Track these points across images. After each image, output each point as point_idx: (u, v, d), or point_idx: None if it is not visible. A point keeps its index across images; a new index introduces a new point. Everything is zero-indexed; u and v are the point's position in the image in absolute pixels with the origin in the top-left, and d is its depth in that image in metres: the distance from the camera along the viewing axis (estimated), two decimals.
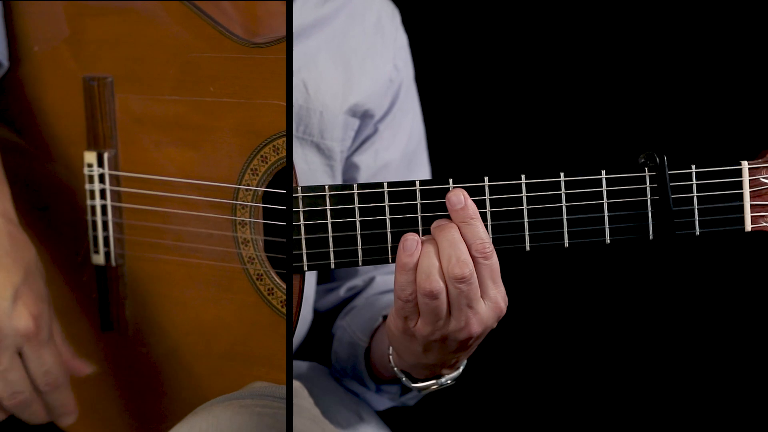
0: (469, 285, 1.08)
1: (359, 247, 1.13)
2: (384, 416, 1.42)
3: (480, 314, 1.11)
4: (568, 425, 1.87)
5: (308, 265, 1.13)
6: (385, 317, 1.33)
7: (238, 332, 1.25)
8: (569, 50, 1.78)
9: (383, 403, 1.39)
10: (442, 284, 1.09)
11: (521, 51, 1.79)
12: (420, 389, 1.22)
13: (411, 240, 1.10)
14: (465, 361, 1.21)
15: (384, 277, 1.43)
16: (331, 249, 1.13)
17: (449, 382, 1.22)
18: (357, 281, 1.44)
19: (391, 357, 1.22)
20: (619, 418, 1.85)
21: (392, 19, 1.41)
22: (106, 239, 1.28)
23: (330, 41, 1.33)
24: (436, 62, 1.51)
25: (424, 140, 1.47)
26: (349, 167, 1.39)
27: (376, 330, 1.34)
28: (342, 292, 1.44)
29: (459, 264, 1.08)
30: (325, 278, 1.47)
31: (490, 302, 1.11)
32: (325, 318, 1.45)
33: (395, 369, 1.22)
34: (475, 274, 1.09)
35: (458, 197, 1.11)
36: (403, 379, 1.22)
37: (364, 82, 1.36)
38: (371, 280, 1.43)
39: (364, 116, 1.37)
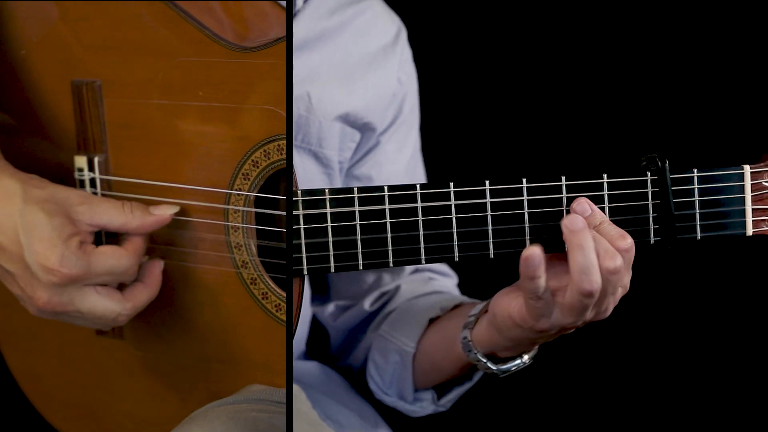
0: (619, 275, 1.11)
1: (359, 250, 1.12)
2: (385, 417, 1.41)
3: (616, 297, 1.14)
4: (569, 428, 1.86)
5: (308, 269, 1.12)
6: (431, 320, 1.33)
7: (233, 336, 1.25)
8: (570, 53, 1.78)
9: (419, 411, 1.37)
10: (600, 282, 1.10)
11: (523, 53, 1.79)
12: (503, 372, 1.23)
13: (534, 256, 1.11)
14: None
15: (410, 284, 1.43)
16: (331, 252, 1.12)
17: (529, 361, 1.23)
18: (376, 294, 1.43)
19: (471, 343, 1.22)
20: (620, 422, 1.85)
21: (397, 35, 1.41)
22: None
23: (334, 56, 1.34)
24: (438, 65, 1.51)
25: (421, 156, 1.48)
26: (351, 180, 1.39)
27: (423, 335, 1.34)
28: (367, 305, 1.43)
29: (610, 255, 1.10)
30: (322, 291, 1.47)
31: (622, 287, 1.14)
32: (350, 334, 1.44)
33: (476, 354, 1.23)
34: (623, 264, 1.11)
35: (583, 206, 1.13)
36: (488, 363, 1.22)
37: (366, 95, 1.36)
38: (397, 288, 1.43)
39: (364, 128, 1.37)
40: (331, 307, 1.45)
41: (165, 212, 1.21)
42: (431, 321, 1.33)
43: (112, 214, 1.20)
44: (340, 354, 1.46)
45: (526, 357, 1.23)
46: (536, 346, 1.23)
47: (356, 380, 1.42)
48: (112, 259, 1.19)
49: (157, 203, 1.23)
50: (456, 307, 1.33)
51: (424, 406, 1.36)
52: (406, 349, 1.34)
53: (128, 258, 1.20)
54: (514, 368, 1.23)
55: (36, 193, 1.17)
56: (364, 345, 1.41)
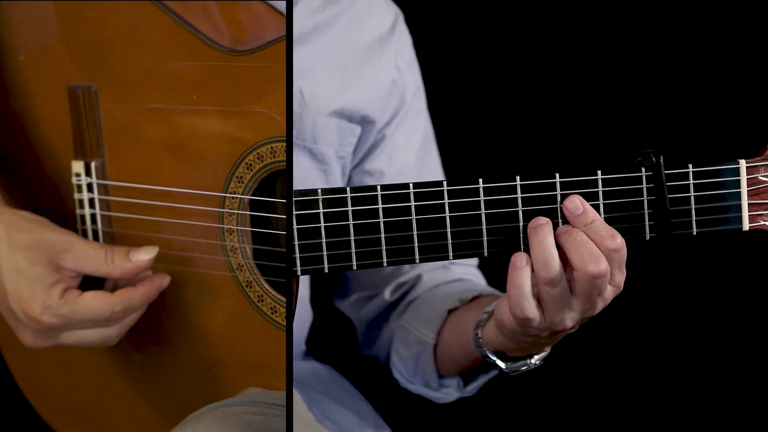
0: (603, 278, 1.10)
1: (353, 250, 1.12)
2: (384, 417, 1.42)
3: (605, 297, 1.12)
4: (567, 426, 1.86)
5: (301, 270, 1.12)
6: (450, 311, 1.32)
7: (230, 339, 1.25)
8: (565, 49, 1.78)
9: (444, 398, 1.38)
10: (560, 270, 1.09)
11: (516, 50, 1.78)
12: (512, 371, 1.23)
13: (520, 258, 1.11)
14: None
15: (430, 273, 1.42)
16: (325, 253, 1.12)
17: (539, 362, 1.23)
18: (395, 284, 1.42)
19: (481, 341, 1.22)
20: (616, 419, 1.84)
21: (394, 22, 1.39)
22: None
23: (327, 49, 1.32)
24: (429, 62, 1.51)
25: (434, 140, 1.46)
26: (363, 175, 1.38)
27: (443, 325, 1.33)
28: (387, 295, 1.42)
29: (594, 259, 1.09)
30: (338, 283, 1.46)
31: (614, 287, 1.12)
32: (372, 324, 1.44)
33: (487, 353, 1.22)
34: (609, 266, 1.10)
35: (575, 203, 1.11)
36: (497, 361, 1.22)
37: (362, 88, 1.35)
38: (418, 277, 1.42)
39: (363, 122, 1.36)
40: (353, 299, 1.45)
41: (144, 257, 1.22)
42: (450, 312, 1.33)
43: (95, 263, 1.21)
44: (365, 344, 1.46)
45: (535, 358, 1.22)
46: (546, 348, 1.22)
47: (382, 373, 1.42)
48: (94, 307, 1.19)
49: (152, 208, 1.24)
50: (475, 298, 1.33)
51: (450, 392, 1.36)
52: (426, 340, 1.34)
53: (110, 304, 1.20)
54: (524, 368, 1.23)
55: (20, 239, 1.19)
56: (387, 335, 1.41)
